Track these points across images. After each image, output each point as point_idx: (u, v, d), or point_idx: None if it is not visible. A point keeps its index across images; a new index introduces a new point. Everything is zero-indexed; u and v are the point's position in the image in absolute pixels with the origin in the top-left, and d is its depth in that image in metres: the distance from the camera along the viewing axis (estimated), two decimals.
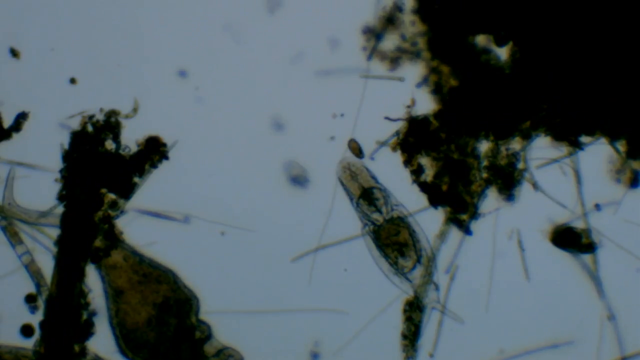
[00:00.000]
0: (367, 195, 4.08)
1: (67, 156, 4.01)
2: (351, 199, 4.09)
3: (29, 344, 4.03)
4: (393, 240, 4.07)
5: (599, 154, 4.06)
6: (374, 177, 4.10)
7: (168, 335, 4.01)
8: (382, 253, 4.07)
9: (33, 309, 4.04)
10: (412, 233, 4.08)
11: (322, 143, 4.07)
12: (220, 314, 4.04)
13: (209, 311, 4.04)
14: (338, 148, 4.06)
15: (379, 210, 4.08)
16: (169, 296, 4.02)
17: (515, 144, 4.04)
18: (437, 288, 4.07)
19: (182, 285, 4.03)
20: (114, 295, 4.02)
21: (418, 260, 4.07)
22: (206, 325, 4.03)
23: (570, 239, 4.05)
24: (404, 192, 4.08)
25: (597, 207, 4.04)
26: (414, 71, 4.04)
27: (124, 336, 4.01)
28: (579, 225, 4.06)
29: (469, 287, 4.06)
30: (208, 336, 4.04)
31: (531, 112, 4.00)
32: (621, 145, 4.04)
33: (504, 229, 4.06)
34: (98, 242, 4.02)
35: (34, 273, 4.03)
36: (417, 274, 4.07)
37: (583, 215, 4.05)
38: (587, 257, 4.06)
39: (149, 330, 4.00)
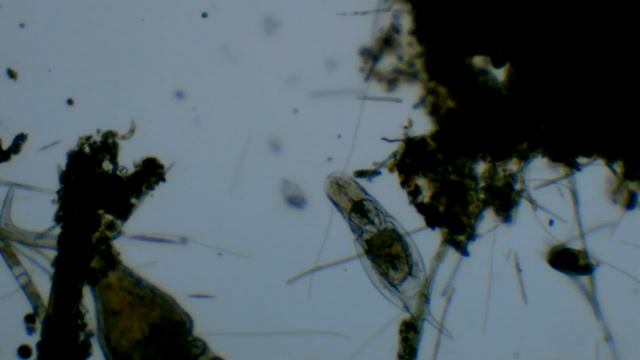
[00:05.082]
0: (358, 208, 4.07)
1: (64, 177, 4.01)
2: (342, 214, 4.08)
3: None
4: (386, 252, 4.07)
5: (596, 175, 4.05)
6: (363, 190, 4.09)
7: (160, 356, 4.00)
8: (373, 264, 4.07)
9: (30, 330, 4.04)
10: (404, 246, 4.07)
11: (320, 164, 4.06)
12: (217, 335, 4.04)
13: (205, 332, 4.04)
14: (335, 169, 4.06)
15: (371, 222, 4.08)
16: (164, 317, 4.01)
17: (513, 165, 4.04)
18: (427, 301, 4.05)
19: (177, 308, 4.02)
20: (107, 314, 4.02)
21: (409, 273, 4.07)
22: (201, 341, 4.03)
23: (568, 261, 4.05)
24: (401, 213, 4.08)
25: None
26: (411, 92, 4.04)
27: (115, 355, 4.01)
28: (576, 246, 4.06)
29: (466, 308, 4.06)
30: (203, 351, 4.04)
31: (528, 133, 3.99)
32: (618, 166, 4.04)
33: (501, 250, 4.06)
34: (95, 263, 4.02)
35: (32, 294, 4.03)
36: (407, 286, 4.06)
37: (580, 237, 4.04)
38: (584, 279, 4.06)
39: (141, 351, 4.00)
